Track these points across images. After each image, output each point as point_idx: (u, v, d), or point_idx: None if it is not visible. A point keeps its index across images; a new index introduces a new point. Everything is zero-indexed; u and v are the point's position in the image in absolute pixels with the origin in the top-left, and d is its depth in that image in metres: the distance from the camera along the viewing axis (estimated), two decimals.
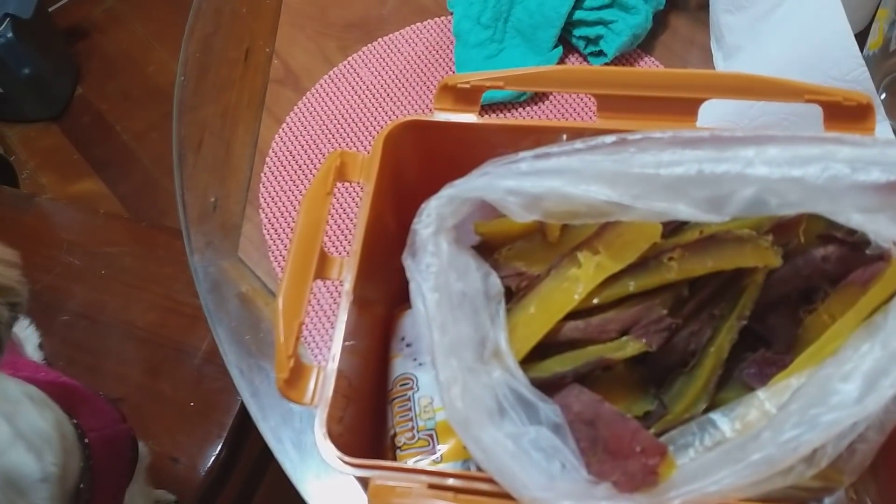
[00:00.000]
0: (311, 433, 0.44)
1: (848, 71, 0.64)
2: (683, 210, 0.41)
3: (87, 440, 0.64)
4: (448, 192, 0.45)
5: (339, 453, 0.42)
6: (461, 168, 0.48)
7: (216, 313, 0.70)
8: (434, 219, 0.44)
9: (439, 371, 0.41)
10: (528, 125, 0.54)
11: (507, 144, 0.48)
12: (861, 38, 0.72)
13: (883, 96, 0.74)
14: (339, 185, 0.75)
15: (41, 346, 1.03)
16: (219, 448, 0.98)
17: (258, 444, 1.07)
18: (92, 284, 1.10)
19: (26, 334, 1.02)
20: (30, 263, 1.11)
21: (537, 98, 0.78)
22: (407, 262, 0.44)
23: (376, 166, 0.52)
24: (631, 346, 0.46)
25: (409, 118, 0.54)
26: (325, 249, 0.64)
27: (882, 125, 0.67)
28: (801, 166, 0.38)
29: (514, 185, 0.44)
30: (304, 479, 0.62)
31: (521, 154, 0.45)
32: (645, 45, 0.81)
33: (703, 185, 0.40)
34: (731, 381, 0.47)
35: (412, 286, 0.43)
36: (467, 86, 0.53)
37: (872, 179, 0.38)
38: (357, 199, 0.74)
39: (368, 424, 0.56)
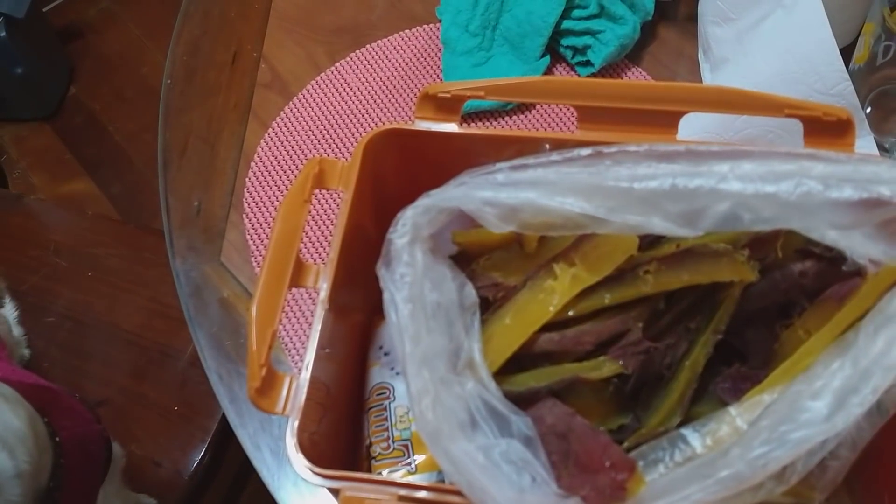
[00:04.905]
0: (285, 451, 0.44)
1: (833, 85, 0.64)
2: (658, 224, 0.41)
3: (58, 439, 0.63)
4: (424, 201, 0.45)
5: (308, 464, 0.42)
6: (443, 177, 0.47)
7: (197, 318, 0.70)
8: (409, 228, 0.44)
9: (410, 382, 0.40)
10: (508, 135, 0.54)
11: (488, 154, 0.48)
12: (847, 52, 0.72)
13: (868, 110, 0.74)
14: (324, 192, 0.75)
15: (20, 321, 1.03)
16: (202, 452, 0.97)
17: (242, 451, 1.06)
18: (78, 286, 1.10)
19: (6, 311, 1.02)
20: (16, 264, 1.11)
21: (522, 108, 0.78)
22: (381, 271, 0.44)
23: (355, 174, 0.52)
24: (607, 368, 0.46)
25: (389, 126, 0.53)
26: (306, 257, 0.64)
27: (866, 139, 0.67)
28: (775, 182, 0.38)
29: (490, 195, 0.44)
30: (282, 486, 0.62)
31: (498, 165, 0.45)
32: (633, 55, 0.81)
33: (677, 200, 0.40)
34: (707, 396, 0.47)
35: (385, 296, 0.43)
36: (448, 95, 0.52)
37: (845, 196, 0.38)
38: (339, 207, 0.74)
39: (345, 433, 0.55)
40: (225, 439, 1.00)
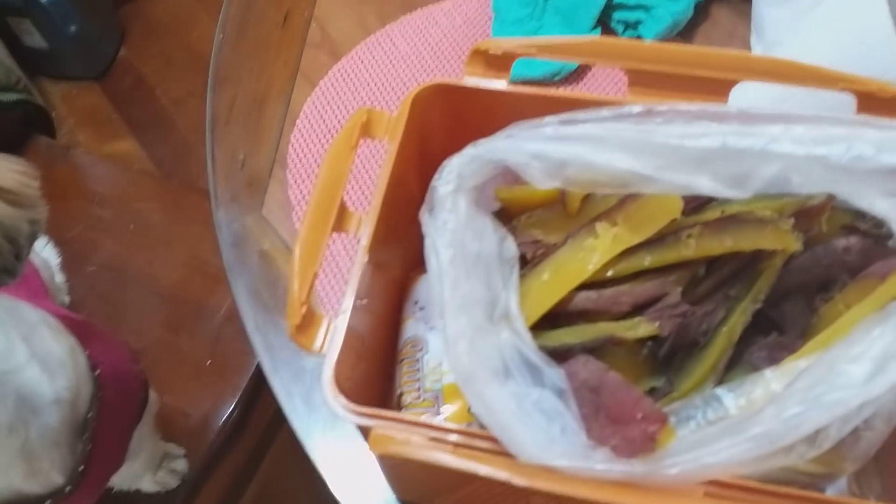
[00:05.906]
0: (321, 389, 0.44)
1: (889, 70, 0.63)
2: (705, 184, 0.41)
3: (97, 372, 0.65)
4: (471, 151, 0.45)
5: (344, 401, 0.43)
6: (488, 135, 0.47)
7: (236, 268, 0.71)
8: (455, 177, 0.45)
9: (447, 325, 0.41)
10: (556, 96, 0.54)
11: (535, 115, 0.48)
12: None
13: None
14: (366, 149, 0.76)
15: (62, 269, 1.06)
16: (231, 407, 0.99)
17: (270, 408, 1.08)
18: (120, 238, 1.12)
19: (49, 257, 1.05)
20: (61, 213, 1.14)
21: (571, 78, 0.78)
22: (424, 217, 0.44)
23: (402, 126, 0.52)
24: (643, 328, 0.46)
25: (439, 81, 0.54)
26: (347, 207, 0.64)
27: None
28: (826, 145, 0.38)
29: (538, 148, 0.44)
30: (311, 434, 0.63)
31: (547, 119, 0.45)
32: (684, 34, 0.80)
33: (726, 160, 0.40)
34: (741, 364, 0.47)
35: (427, 242, 0.43)
36: (499, 52, 0.52)
37: None
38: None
39: (377, 384, 0.56)
40: (254, 397, 1.02)
